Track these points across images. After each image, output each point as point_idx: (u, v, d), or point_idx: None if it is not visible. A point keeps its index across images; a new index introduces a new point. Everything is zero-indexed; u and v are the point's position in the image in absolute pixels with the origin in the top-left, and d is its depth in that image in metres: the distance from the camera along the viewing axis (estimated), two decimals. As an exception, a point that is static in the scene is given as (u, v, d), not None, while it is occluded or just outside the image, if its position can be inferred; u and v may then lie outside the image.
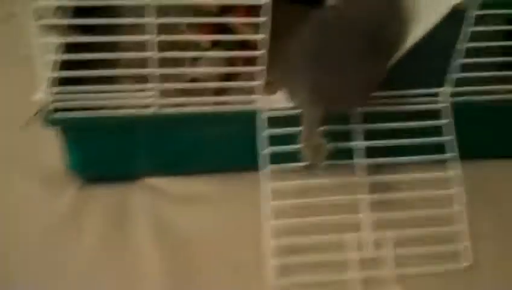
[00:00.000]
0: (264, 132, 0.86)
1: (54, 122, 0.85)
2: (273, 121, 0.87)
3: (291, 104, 0.86)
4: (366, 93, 0.85)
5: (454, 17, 0.84)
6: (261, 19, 0.78)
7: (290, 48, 0.84)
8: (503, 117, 0.99)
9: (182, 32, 0.95)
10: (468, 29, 0.83)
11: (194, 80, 0.94)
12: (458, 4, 0.84)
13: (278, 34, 0.84)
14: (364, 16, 0.85)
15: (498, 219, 0.96)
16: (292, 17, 0.94)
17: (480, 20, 0.84)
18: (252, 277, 0.85)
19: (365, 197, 0.86)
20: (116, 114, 0.86)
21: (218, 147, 0.94)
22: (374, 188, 0.88)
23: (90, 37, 0.78)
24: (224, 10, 0.97)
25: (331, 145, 0.81)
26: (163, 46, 0.82)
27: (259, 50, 0.82)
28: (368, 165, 0.88)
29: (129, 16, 0.99)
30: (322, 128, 0.82)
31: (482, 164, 1.03)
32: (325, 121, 0.83)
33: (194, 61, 0.97)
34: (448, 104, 0.90)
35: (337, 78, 0.81)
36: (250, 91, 0.88)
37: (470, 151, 0.97)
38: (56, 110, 0.84)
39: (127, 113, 0.86)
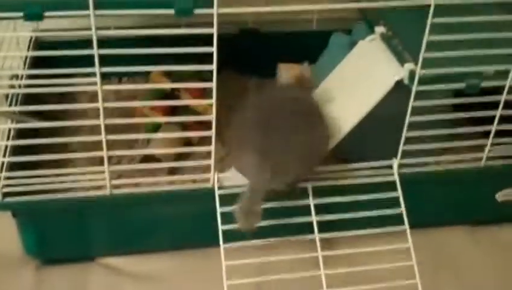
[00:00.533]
0: (218, 210, 0.86)
1: (4, 208, 0.85)
2: (227, 199, 0.87)
3: (242, 181, 0.87)
4: (308, 164, 0.87)
5: (404, 90, 0.87)
6: (209, 101, 0.80)
7: (237, 120, 0.87)
8: (459, 185, 1.00)
9: (136, 110, 0.97)
10: (412, 103, 0.86)
11: (147, 157, 0.95)
12: (400, 79, 0.87)
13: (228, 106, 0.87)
14: (289, 96, 0.90)
15: (456, 285, 0.97)
16: (240, 89, 0.97)
17: (426, 93, 0.86)
18: None
19: (321, 272, 0.86)
20: (68, 197, 0.86)
21: (174, 224, 0.94)
22: (331, 262, 0.88)
23: (40, 123, 0.79)
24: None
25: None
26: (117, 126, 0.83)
27: (209, 130, 0.83)
28: (324, 238, 0.88)
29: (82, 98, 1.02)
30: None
31: (439, 231, 1.04)
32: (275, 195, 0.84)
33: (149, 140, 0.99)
34: (396, 177, 0.92)
35: (281, 147, 0.83)
36: (203, 169, 0.89)
37: (426, 219, 1.00)
38: (6, 194, 0.84)
39: (79, 196, 0.86)
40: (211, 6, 0.72)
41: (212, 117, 0.82)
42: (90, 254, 0.96)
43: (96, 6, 0.69)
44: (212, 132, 0.83)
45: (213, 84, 0.79)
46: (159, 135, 0.92)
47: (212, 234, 0.85)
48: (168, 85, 0.92)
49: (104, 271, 0.95)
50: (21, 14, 0.69)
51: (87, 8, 0.69)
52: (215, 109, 0.81)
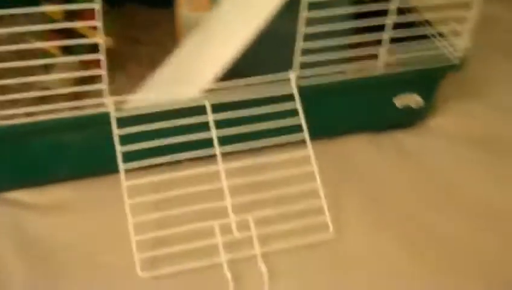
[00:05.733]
0: (115, 132, 0.86)
1: None
2: (124, 121, 0.87)
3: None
4: None
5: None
6: (93, 23, 0.79)
7: None
8: (355, 94, 1.03)
9: (28, 41, 0.95)
10: (304, 14, 0.86)
11: (47, 87, 0.93)
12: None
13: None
14: None
15: (360, 191, 1.00)
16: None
17: (324, 3, 0.86)
18: (124, 276, 0.85)
19: (225, 184, 0.88)
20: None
21: (76, 152, 0.94)
22: (233, 174, 0.89)
23: None
24: (70, 16, 0.97)
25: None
26: (12, 56, 0.81)
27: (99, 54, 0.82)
28: (226, 152, 0.89)
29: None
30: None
31: (342, 141, 1.08)
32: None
33: (47, 69, 0.97)
34: (293, 89, 0.93)
35: None
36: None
37: (328, 130, 1.02)
38: None
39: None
40: None
41: (101, 40, 0.81)
42: (-9, 188, 0.95)
43: None
44: (102, 55, 0.82)
45: (97, 6, 0.77)
46: (53, 61, 0.90)
47: (114, 160, 0.85)
48: (52, 8, 0.90)
49: (8, 205, 0.94)
50: None
51: None
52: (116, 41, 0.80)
